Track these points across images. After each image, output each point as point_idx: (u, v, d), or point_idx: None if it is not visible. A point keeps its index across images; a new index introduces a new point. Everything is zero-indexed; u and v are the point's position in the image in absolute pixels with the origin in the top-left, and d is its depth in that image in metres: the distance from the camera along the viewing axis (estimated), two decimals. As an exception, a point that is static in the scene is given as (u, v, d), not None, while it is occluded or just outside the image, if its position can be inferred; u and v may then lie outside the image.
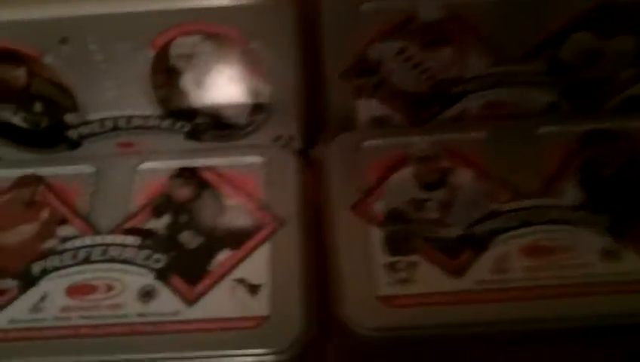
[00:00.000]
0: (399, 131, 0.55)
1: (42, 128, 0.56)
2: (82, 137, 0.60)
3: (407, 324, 0.45)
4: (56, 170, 0.59)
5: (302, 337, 0.48)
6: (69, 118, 0.55)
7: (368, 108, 0.55)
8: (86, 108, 0.54)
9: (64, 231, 0.55)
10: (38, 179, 0.58)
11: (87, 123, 0.56)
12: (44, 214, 0.55)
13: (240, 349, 0.48)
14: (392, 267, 0.48)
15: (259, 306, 0.50)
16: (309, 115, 0.54)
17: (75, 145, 0.60)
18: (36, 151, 0.60)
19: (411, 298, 0.46)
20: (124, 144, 0.61)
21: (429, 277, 0.47)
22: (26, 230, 0.54)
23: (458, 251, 0.48)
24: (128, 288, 0.51)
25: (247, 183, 0.57)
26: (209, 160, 0.59)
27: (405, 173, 0.53)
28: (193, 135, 0.60)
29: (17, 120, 0.56)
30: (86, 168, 0.58)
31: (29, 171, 0.59)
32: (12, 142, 0.59)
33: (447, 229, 0.48)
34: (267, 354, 0.48)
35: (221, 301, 0.50)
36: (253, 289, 0.50)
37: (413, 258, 0.48)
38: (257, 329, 0.49)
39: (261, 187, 0.57)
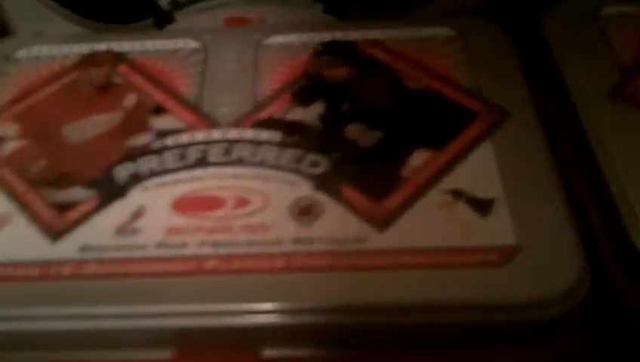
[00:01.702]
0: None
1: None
2: (177, 5, 0.41)
3: None
4: (143, 44, 0.40)
5: (582, 277, 0.29)
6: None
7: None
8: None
9: (161, 122, 0.35)
10: (116, 56, 0.36)
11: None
12: (129, 100, 0.35)
13: (476, 297, 0.29)
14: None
15: (498, 232, 0.31)
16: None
17: (165, 18, 0.41)
18: (109, 27, 0.42)
19: None
20: (233, 20, 0.42)
21: None
22: (103, 121, 0.34)
23: None
24: (274, 202, 0.32)
25: (436, 62, 0.39)
26: (364, 32, 0.41)
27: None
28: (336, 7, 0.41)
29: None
30: (187, 43, 0.37)
31: (99, 46, 0.41)
32: (76, 13, 0.42)
33: None
34: (525, 306, 0.29)
35: (430, 222, 0.31)
36: (482, 205, 0.30)
37: None
38: (502, 266, 0.30)
39: (458, 67, 0.39)
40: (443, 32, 0.39)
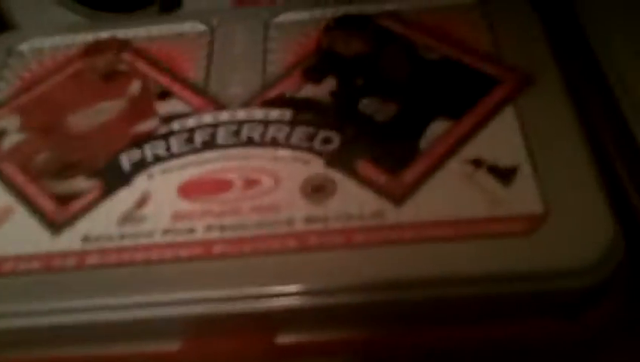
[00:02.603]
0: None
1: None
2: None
3: None
4: (147, 30, 0.38)
5: (616, 243, 0.27)
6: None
7: None
8: None
9: (167, 107, 0.34)
10: (120, 44, 0.34)
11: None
12: (134, 87, 0.33)
13: (503, 267, 0.27)
14: None
15: (523, 200, 0.29)
16: None
17: (171, 3, 0.40)
18: (113, 16, 0.42)
19: None
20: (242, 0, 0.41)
21: None
22: (108, 108, 0.32)
23: None
24: (285, 182, 0.30)
25: (455, 31, 0.37)
26: (378, 5, 0.39)
27: None
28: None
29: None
30: (193, 26, 0.35)
31: (103, 35, 0.39)
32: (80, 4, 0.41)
33: None
34: (556, 274, 0.27)
35: (450, 194, 0.29)
36: (505, 173, 0.27)
37: None
38: (530, 234, 0.28)
39: (478, 34, 0.36)
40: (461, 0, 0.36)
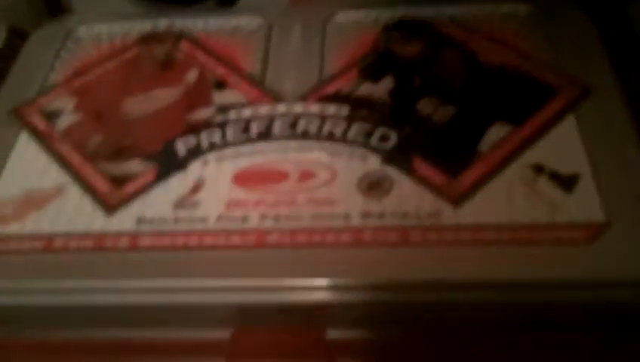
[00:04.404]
0: None
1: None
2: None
3: None
4: (204, 22, 0.38)
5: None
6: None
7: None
8: None
9: (223, 97, 0.34)
10: (178, 34, 0.35)
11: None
12: (191, 76, 0.33)
13: (563, 274, 0.27)
14: None
15: (585, 208, 0.28)
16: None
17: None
18: (171, 8, 0.41)
19: None
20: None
21: None
22: (164, 95, 0.32)
23: None
24: (341, 176, 0.29)
25: (514, 38, 0.36)
26: (438, 9, 0.38)
27: None
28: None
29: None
30: (251, 20, 0.35)
31: (161, 25, 0.40)
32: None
33: None
34: (618, 283, 0.26)
35: (510, 198, 0.29)
36: (567, 181, 0.27)
37: None
38: (591, 243, 0.27)
39: (538, 44, 0.36)
40: (521, 9, 0.36)
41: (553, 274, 0.25)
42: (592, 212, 0.27)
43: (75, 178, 0.31)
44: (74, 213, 0.29)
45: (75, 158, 0.31)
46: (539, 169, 0.29)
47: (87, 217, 0.29)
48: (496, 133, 0.30)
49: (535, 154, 0.29)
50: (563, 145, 0.30)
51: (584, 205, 0.27)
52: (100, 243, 0.28)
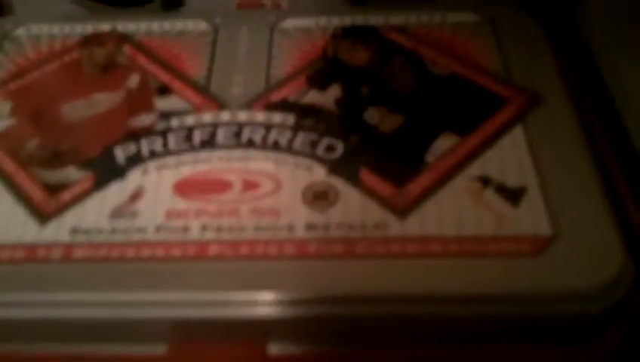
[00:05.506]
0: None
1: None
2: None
3: None
4: (148, 26, 0.36)
5: (625, 268, 0.26)
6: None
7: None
8: None
9: (167, 103, 0.32)
10: (120, 37, 0.33)
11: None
12: (133, 80, 0.31)
13: (507, 288, 0.26)
14: None
15: (531, 220, 0.28)
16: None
17: (173, 1, 0.39)
18: (114, 10, 0.40)
19: None
20: (247, 3, 0.41)
21: None
22: (104, 100, 0.31)
23: None
24: (286, 186, 0.29)
25: (463, 47, 0.36)
26: (386, 17, 0.38)
27: None
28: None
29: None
30: (197, 24, 0.34)
31: (103, 27, 0.38)
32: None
33: None
34: (562, 297, 0.26)
35: (456, 210, 0.29)
36: (513, 194, 0.27)
37: None
38: (537, 256, 0.27)
39: (487, 53, 0.36)
40: (470, 17, 0.36)
41: (500, 287, 0.25)
42: (538, 224, 0.27)
43: (8, 185, 0.29)
44: (5, 222, 0.28)
45: (9, 165, 0.30)
46: (485, 181, 0.28)
47: (19, 226, 0.28)
48: (443, 143, 0.30)
49: (482, 165, 0.29)
50: (511, 156, 0.29)
51: (531, 218, 0.27)
52: (32, 254, 0.27)
